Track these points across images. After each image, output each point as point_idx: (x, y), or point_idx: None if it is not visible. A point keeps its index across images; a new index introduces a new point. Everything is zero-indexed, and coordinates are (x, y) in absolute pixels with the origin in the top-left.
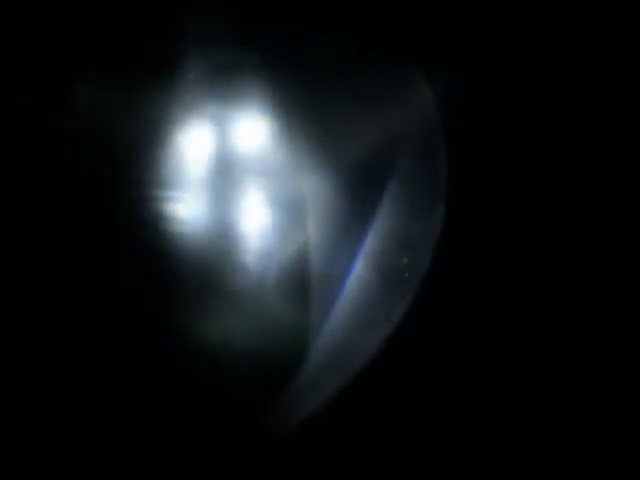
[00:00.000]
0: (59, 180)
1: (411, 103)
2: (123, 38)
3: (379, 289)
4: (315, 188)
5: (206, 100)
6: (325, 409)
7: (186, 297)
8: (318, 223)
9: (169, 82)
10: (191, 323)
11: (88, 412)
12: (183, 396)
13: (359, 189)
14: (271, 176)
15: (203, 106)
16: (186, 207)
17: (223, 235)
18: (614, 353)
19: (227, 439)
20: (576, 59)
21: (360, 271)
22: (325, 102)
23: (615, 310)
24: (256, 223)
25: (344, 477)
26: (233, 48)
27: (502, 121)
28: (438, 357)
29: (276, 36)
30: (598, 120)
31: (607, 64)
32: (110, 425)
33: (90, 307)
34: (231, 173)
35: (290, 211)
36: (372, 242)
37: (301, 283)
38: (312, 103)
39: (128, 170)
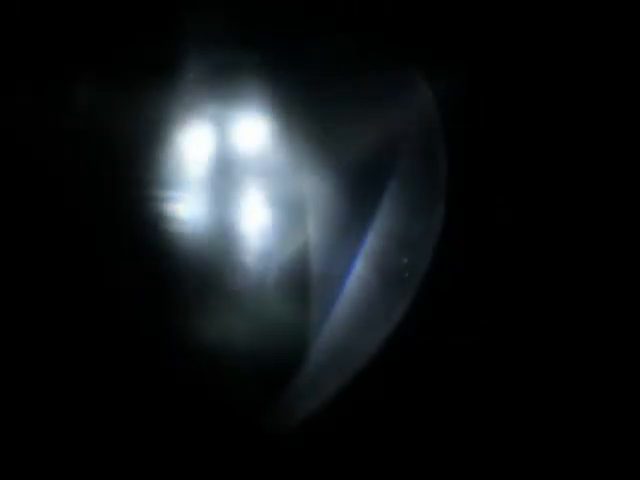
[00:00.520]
0: (59, 180)
1: (411, 103)
2: (123, 38)
3: (379, 289)
4: (315, 188)
5: (206, 100)
6: (325, 409)
7: (186, 297)
8: (318, 223)
9: (169, 82)
10: (191, 323)
11: (88, 412)
12: (183, 396)
13: (359, 189)
14: (271, 176)
15: (203, 106)
16: (186, 207)
17: (223, 235)
18: (614, 353)
19: (227, 439)
20: (576, 59)
21: (360, 271)
22: (325, 102)
23: (615, 310)
24: (256, 223)
25: (344, 477)
26: (233, 48)
27: (502, 121)
28: (438, 357)
29: (276, 36)
30: (598, 119)
31: (607, 64)
32: (110, 425)
33: (90, 307)
34: (231, 173)
35: (290, 211)
36: (372, 242)
37: (301, 283)
38: (312, 103)
39: (128, 170)
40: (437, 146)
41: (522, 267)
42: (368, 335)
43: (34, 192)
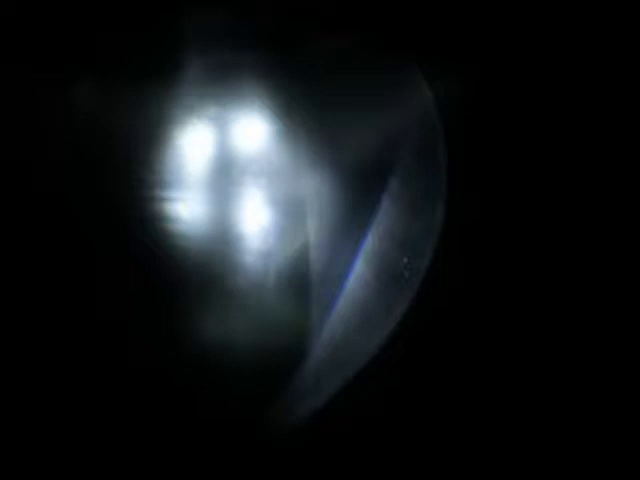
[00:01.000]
0: (59, 180)
1: (411, 103)
2: (123, 38)
3: (379, 289)
4: (315, 188)
5: (206, 100)
6: (325, 409)
7: (186, 297)
8: (318, 223)
9: (169, 82)
10: (191, 323)
11: (87, 412)
12: (183, 396)
13: (359, 189)
14: (271, 176)
15: (203, 106)
16: (186, 207)
17: (223, 235)
18: (614, 352)
19: (228, 438)
20: (576, 59)
21: (360, 271)
22: (325, 102)
23: (615, 309)
24: (256, 223)
25: (344, 477)
26: (233, 48)
27: (502, 121)
28: (438, 357)
29: (276, 36)
30: (598, 119)
31: (607, 64)
32: (109, 425)
33: (89, 307)
34: (231, 173)
35: (290, 211)
36: (372, 242)
37: (301, 283)
38: (312, 103)
39: (128, 170)
40: (437, 146)
41: (522, 267)
42: (368, 335)
43: (33, 192)
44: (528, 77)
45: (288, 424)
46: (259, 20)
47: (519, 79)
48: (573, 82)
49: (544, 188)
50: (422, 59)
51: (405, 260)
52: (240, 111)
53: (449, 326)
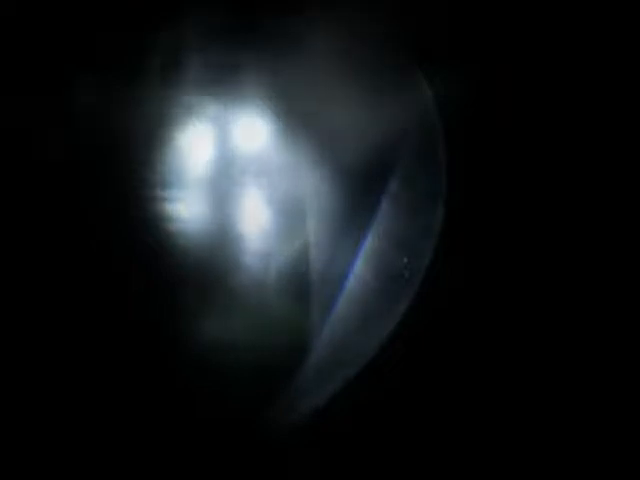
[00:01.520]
0: (58, 180)
1: (411, 103)
2: (122, 37)
3: (379, 289)
4: (315, 188)
5: (206, 100)
6: (325, 409)
7: (187, 297)
8: (318, 223)
9: (169, 82)
10: (191, 323)
11: (86, 410)
12: (183, 396)
13: (359, 189)
14: (271, 176)
15: (203, 106)
16: (186, 207)
17: (223, 235)
18: (614, 352)
19: (227, 439)
20: (576, 60)
21: (360, 271)
22: (325, 102)
23: (615, 309)
24: (256, 223)
25: (344, 477)
26: (234, 47)
27: (502, 121)
28: (438, 357)
29: (276, 35)
30: (597, 118)
31: (607, 64)
32: (110, 424)
33: (90, 307)
34: (231, 173)
35: (290, 211)
36: (372, 242)
37: (301, 283)
38: (312, 103)
39: (128, 170)
40: (437, 146)
41: (522, 267)
42: (368, 335)
43: (33, 192)
44: (528, 77)
45: (288, 423)
46: (259, 19)
47: (519, 79)
48: (573, 82)
49: (544, 188)
50: (422, 59)
51: (405, 260)
52: (240, 111)
53: (449, 326)
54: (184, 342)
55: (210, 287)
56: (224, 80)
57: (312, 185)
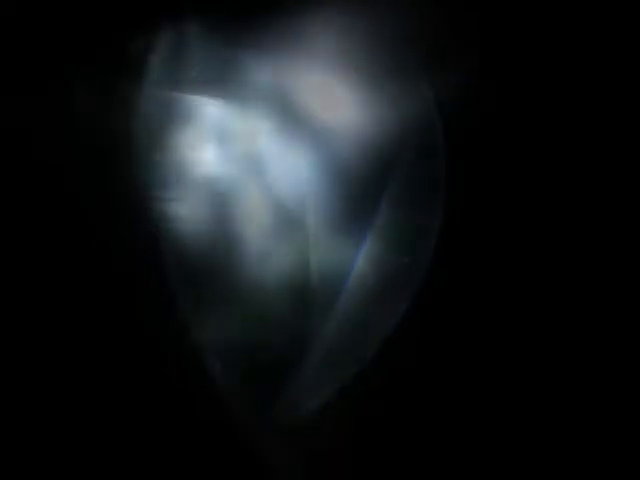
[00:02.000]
0: (59, 179)
1: (411, 103)
2: (123, 37)
3: (379, 289)
4: (316, 188)
5: (206, 99)
6: (325, 409)
7: (186, 297)
8: (318, 222)
9: (169, 81)
10: (191, 323)
11: (86, 409)
12: (183, 396)
13: (359, 189)
14: (271, 176)
15: (204, 106)
16: (187, 207)
17: (223, 235)
18: (614, 352)
19: (227, 438)
20: (576, 60)
21: (360, 271)
22: (325, 101)
23: (615, 309)
24: (256, 223)
25: (344, 476)
26: (234, 47)
27: (502, 121)
28: (438, 357)
29: (276, 34)
30: (597, 118)
31: (607, 64)
32: (109, 424)
33: (90, 307)
34: (231, 173)
35: (290, 211)
36: (372, 242)
37: (301, 283)
38: (312, 102)
39: (128, 170)
40: (437, 146)
41: (522, 267)
42: (368, 335)
43: (33, 192)
44: (528, 77)
45: (287, 424)
46: (260, 18)
47: (519, 79)
48: (573, 82)
49: (544, 187)
50: (422, 59)
51: (405, 260)
52: (241, 110)
53: (449, 326)
54: (182, 342)
55: (210, 287)
56: (224, 80)
57: (312, 185)
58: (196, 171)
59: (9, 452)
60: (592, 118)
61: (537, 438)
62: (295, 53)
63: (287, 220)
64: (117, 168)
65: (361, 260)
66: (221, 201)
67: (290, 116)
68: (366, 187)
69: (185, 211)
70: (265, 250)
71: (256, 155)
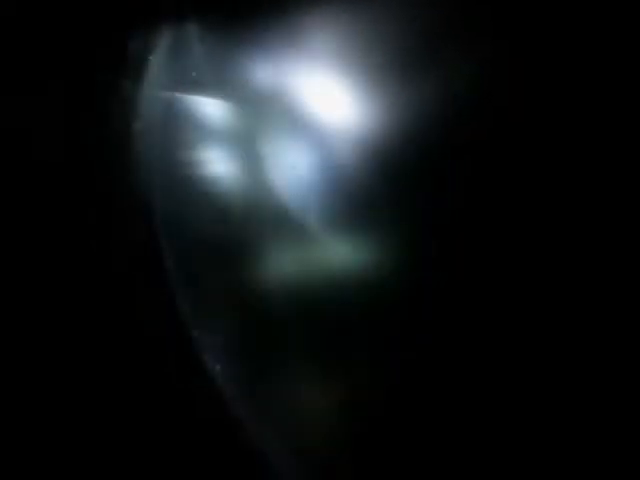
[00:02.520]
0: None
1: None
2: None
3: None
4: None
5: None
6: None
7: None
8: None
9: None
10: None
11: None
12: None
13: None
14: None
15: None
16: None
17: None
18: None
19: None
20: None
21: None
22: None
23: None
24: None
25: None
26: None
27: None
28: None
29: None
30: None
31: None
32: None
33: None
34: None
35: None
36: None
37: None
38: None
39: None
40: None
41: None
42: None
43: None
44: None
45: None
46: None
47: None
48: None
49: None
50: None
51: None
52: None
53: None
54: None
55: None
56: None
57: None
58: (196, 171)
59: (9, 452)
60: (604, 114)
61: (537, 438)
62: (295, 53)
63: (287, 220)
64: (117, 168)
65: (361, 260)
66: (221, 201)
67: (290, 116)
68: (366, 187)
69: (185, 211)
70: (265, 250)
71: (256, 155)
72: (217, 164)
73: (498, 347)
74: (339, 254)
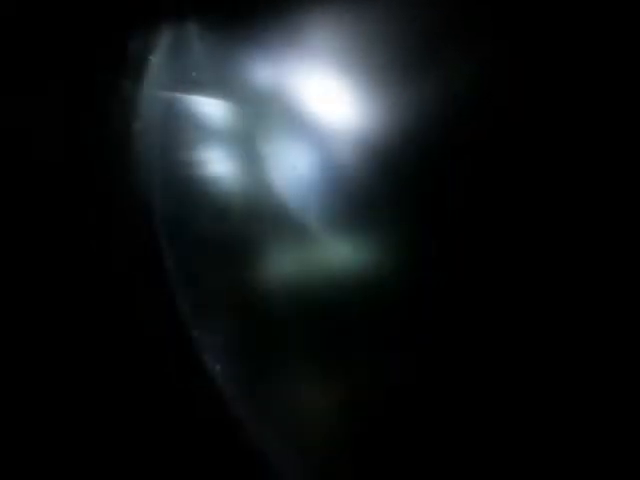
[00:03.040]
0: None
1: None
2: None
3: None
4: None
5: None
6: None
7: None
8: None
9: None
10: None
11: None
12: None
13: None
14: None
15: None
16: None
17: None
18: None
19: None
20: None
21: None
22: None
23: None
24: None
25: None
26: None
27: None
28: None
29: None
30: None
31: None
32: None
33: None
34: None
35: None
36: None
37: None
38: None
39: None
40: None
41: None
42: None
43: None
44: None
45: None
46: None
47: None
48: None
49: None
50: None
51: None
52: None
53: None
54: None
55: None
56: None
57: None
58: (196, 171)
59: (9, 452)
60: (603, 114)
61: (537, 438)
62: (295, 53)
63: (287, 220)
64: (117, 168)
65: (361, 260)
66: (221, 201)
67: (290, 116)
68: (366, 187)
69: (185, 211)
70: (265, 250)
71: (256, 155)
72: (217, 164)
73: (498, 347)
74: (339, 254)
